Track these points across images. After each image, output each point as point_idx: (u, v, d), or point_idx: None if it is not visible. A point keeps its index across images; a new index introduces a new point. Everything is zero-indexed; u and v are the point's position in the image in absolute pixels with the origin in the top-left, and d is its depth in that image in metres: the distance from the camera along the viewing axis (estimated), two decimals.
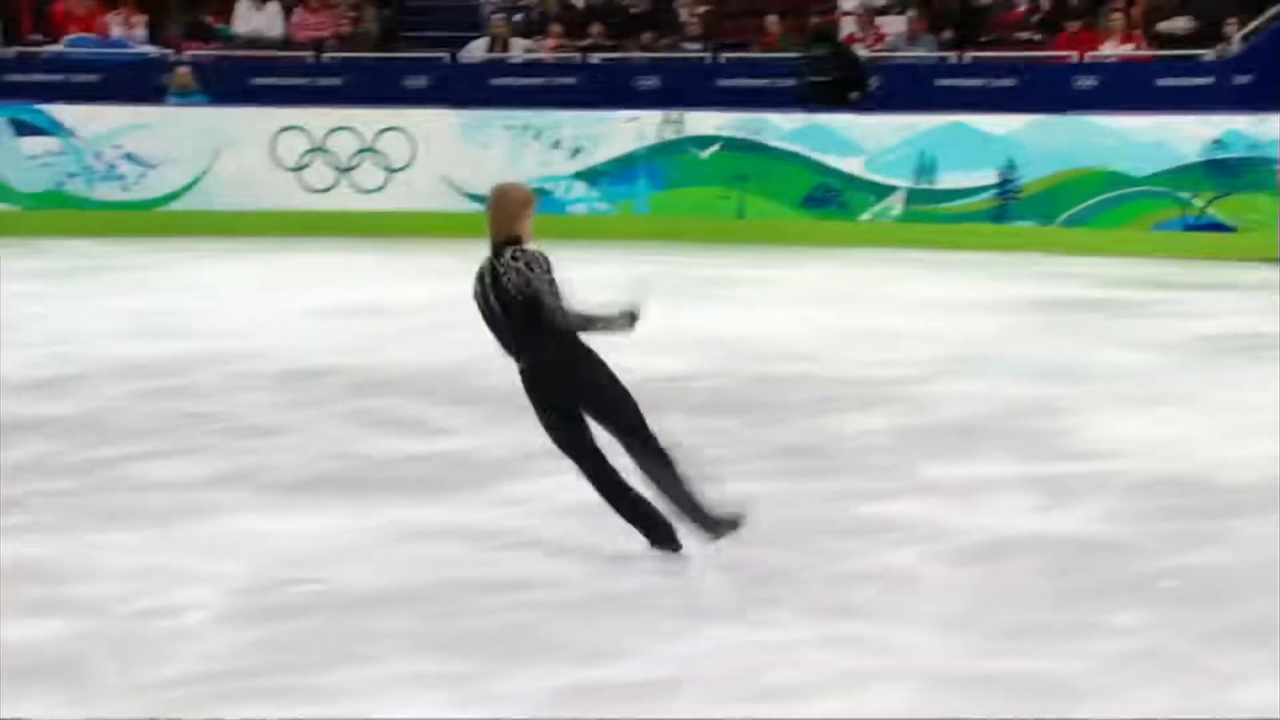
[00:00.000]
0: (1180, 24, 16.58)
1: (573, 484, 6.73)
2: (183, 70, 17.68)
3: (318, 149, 17.02)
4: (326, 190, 17.03)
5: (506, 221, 6.22)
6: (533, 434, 7.82)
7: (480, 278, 6.19)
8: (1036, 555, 5.93)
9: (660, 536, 5.92)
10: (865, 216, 15.93)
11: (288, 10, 19.33)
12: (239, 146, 16.87)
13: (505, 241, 6.16)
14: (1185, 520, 6.37)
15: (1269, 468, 7.11)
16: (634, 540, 6.05)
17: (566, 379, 5.99)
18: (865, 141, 15.98)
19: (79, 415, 8.24)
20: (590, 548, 6.04)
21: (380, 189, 17.01)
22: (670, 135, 16.61)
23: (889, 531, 6.22)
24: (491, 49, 18.52)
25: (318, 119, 17.04)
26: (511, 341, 6.09)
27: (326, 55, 18.67)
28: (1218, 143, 14.73)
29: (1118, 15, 16.69)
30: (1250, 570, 5.76)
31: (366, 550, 6.07)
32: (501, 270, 6.09)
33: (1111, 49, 16.67)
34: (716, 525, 5.89)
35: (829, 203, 15.96)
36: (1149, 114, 15.17)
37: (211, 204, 16.79)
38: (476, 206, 16.98)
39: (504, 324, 6.07)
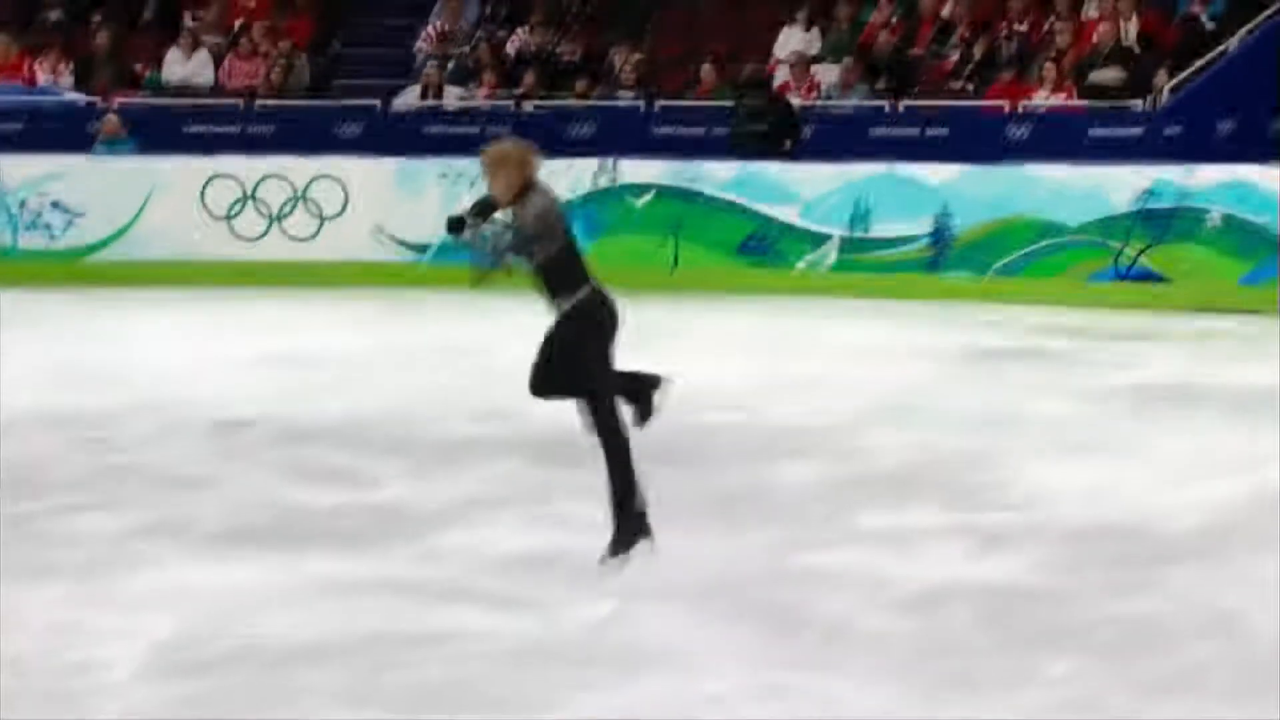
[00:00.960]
0: (1111, 75, 16.77)
1: (505, 535, 6.69)
2: (111, 118, 17.57)
3: (248, 198, 16.93)
4: (257, 239, 16.93)
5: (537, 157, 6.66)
6: (465, 484, 7.80)
7: (552, 199, 6.60)
8: (972, 604, 5.93)
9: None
10: (800, 265, 15.98)
11: (218, 58, 19.27)
12: (168, 195, 16.74)
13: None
14: (1119, 568, 6.38)
15: (1200, 515, 7.16)
16: (565, 591, 6.01)
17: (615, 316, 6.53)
18: (800, 190, 16.05)
19: (2, 467, 8.12)
20: (522, 599, 5.99)
21: (312, 238, 16.92)
22: (604, 183, 16.63)
23: (825, 581, 6.20)
24: (424, 97, 18.52)
25: (249, 167, 16.96)
26: (584, 265, 6.56)
27: (258, 103, 18.61)
28: (1149, 193, 14.88)
29: (1049, 66, 16.87)
30: (1184, 618, 5.77)
31: (294, 603, 5.99)
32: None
33: (1043, 99, 16.85)
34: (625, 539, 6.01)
35: (763, 251, 16.01)
36: (1081, 164, 15.31)
37: (140, 253, 16.65)
38: (410, 255, 17.00)
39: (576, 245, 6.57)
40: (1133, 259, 14.92)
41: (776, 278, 15.82)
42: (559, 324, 6.53)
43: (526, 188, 6.51)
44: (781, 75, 18.18)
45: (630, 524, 6.21)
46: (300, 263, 16.73)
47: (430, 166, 16.85)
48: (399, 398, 10.12)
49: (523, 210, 6.45)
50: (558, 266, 6.44)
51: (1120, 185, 14.98)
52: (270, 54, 19.23)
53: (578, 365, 6.42)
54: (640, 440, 8.76)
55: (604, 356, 6.45)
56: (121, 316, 14.08)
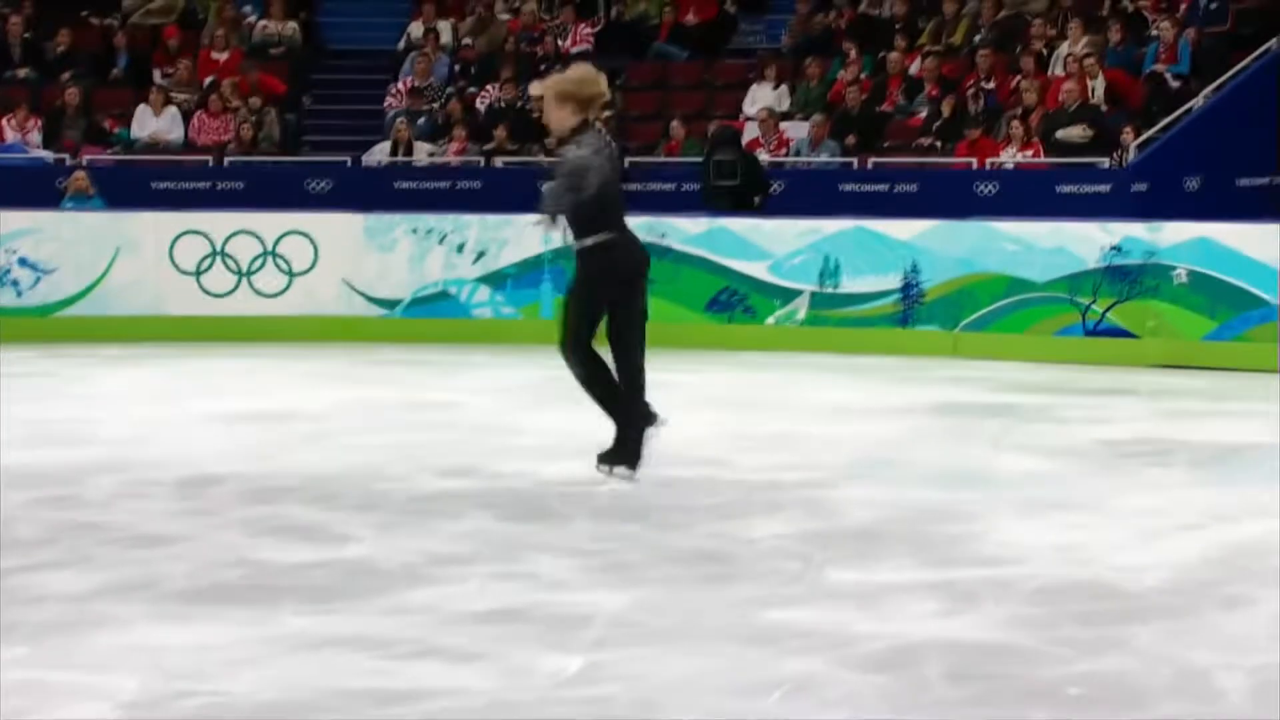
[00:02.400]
0: (1077, 132, 16.93)
1: (473, 591, 6.68)
2: (79, 175, 17.58)
3: (218, 253, 16.93)
4: (227, 295, 16.91)
5: (602, 92, 6.54)
6: (434, 540, 7.79)
7: (597, 150, 6.77)
8: (943, 661, 5.93)
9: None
10: (769, 321, 16.03)
11: (187, 115, 19.32)
12: (137, 251, 16.73)
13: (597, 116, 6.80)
14: (1090, 626, 6.39)
15: (1169, 572, 7.18)
16: (534, 647, 5.99)
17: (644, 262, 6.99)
18: (769, 245, 16.13)
19: None
20: (491, 655, 5.97)
21: (282, 293, 16.92)
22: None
23: (795, 637, 6.19)
24: (394, 153, 18.58)
25: (218, 223, 16.96)
26: (618, 212, 6.67)
27: (227, 159, 18.65)
28: (1116, 249, 14.98)
29: (1016, 124, 17.01)
30: (1154, 677, 5.78)
31: (261, 661, 5.96)
32: (611, 139, 6.49)
33: (1011, 156, 16.98)
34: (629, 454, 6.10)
35: (733, 307, 16.06)
36: (1048, 220, 15.42)
37: (108, 310, 16.62)
38: (379, 310, 17.02)
39: (620, 193, 6.86)
40: (1100, 315, 15.01)
41: (746, 333, 15.86)
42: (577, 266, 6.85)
43: (581, 128, 6.59)
44: (751, 131, 18.30)
45: (632, 443, 6.39)
46: (269, 318, 16.71)
47: (400, 221, 16.88)
48: (367, 454, 10.10)
49: (563, 157, 6.64)
50: (579, 215, 6.61)
51: (1087, 242, 15.09)
52: (240, 110, 19.27)
53: (566, 308, 6.65)
54: (610, 496, 8.78)
55: (595, 306, 6.62)
56: (89, 373, 14.03)
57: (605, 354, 8.77)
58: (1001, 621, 6.45)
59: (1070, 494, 8.99)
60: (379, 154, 18.79)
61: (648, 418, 7.28)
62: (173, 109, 19.27)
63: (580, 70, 6.94)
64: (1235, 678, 5.72)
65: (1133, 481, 9.45)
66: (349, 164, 18.55)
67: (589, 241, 6.80)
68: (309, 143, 19.74)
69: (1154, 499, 8.85)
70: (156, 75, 20.09)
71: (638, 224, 16.50)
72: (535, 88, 7.02)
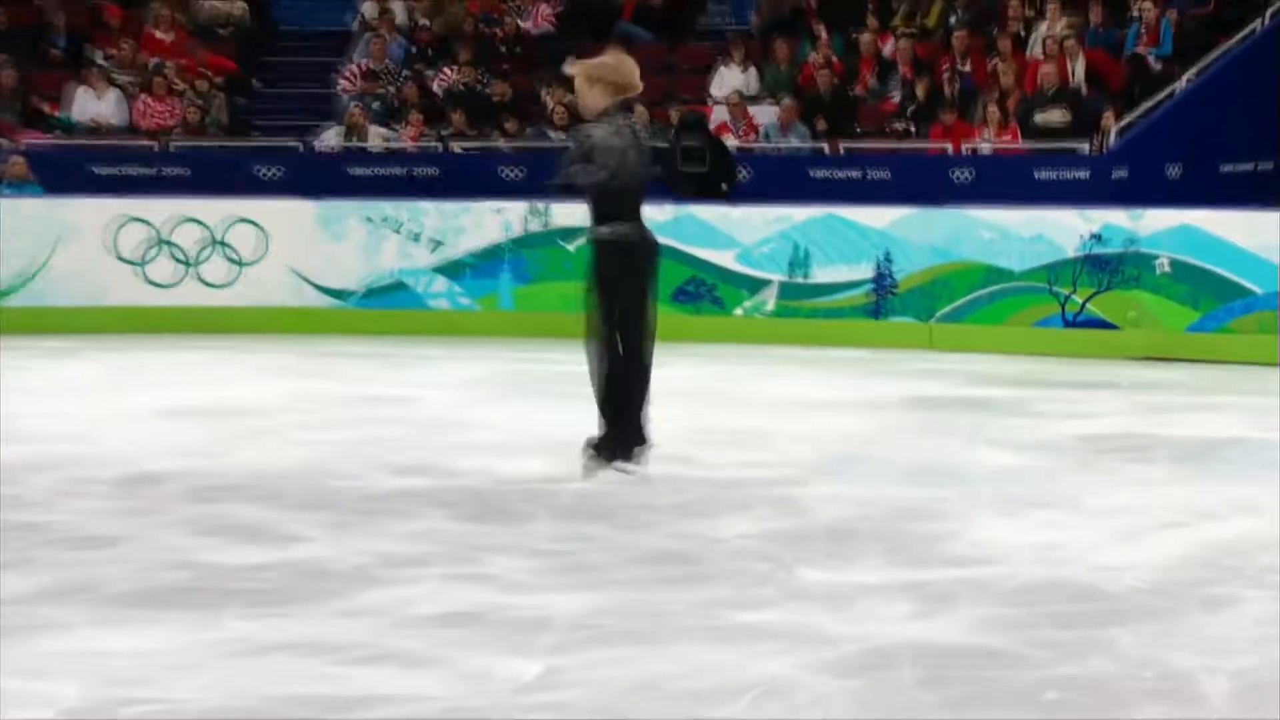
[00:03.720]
0: (1055, 116, 16.96)
1: (428, 593, 6.66)
2: (16, 160, 17.46)
3: (162, 242, 16.84)
4: (172, 285, 16.83)
5: (635, 85, 6.69)
6: (387, 540, 7.76)
7: (616, 133, 6.52)
8: (917, 664, 5.93)
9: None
10: (737, 311, 16.03)
11: (130, 97, 19.20)
12: (77, 239, 16.64)
13: (628, 105, 6.58)
14: (1069, 628, 6.41)
15: (1150, 572, 7.20)
16: (492, 651, 5.98)
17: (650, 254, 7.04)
18: (737, 233, 16.13)
19: None
20: (448, 661, 5.95)
21: (229, 284, 16.85)
22: (535, 227, 16.65)
23: (764, 641, 6.19)
24: (347, 137, 18.52)
25: (162, 210, 16.88)
26: (634, 202, 6.28)
27: (172, 144, 18.55)
28: (1096, 237, 15.03)
29: (993, 107, 17.04)
30: (1135, 680, 5.80)
31: (208, 667, 5.93)
32: (640, 130, 6.55)
33: (987, 141, 17.01)
34: (620, 451, 6.18)
35: (700, 297, 16.05)
36: (1026, 208, 15.46)
37: (48, 300, 16.52)
38: (331, 301, 16.95)
39: (638, 182, 6.86)
40: (1080, 306, 15.06)
41: (714, 325, 15.87)
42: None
43: (609, 112, 6.74)
44: (718, 115, 18.28)
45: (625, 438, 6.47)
46: (216, 309, 16.65)
47: (353, 209, 16.83)
48: (318, 450, 10.07)
49: (579, 135, 6.76)
50: (596, 201, 6.71)
51: (1066, 230, 15.14)
52: (186, 93, 19.18)
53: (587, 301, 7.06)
54: (571, 495, 8.77)
55: (604, 295, 6.74)
56: (27, 366, 13.95)
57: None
58: (977, 623, 6.46)
59: (1048, 491, 9.02)
60: (331, 139, 18.72)
61: (634, 437, 7.29)
62: (115, 91, 19.16)
63: (615, 56, 7.21)
64: (1218, 681, 5.74)
65: (1113, 478, 9.49)
66: (300, 149, 18.48)
67: (604, 230, 6.97)
68: (258, 127, 19.64)
69: (1135, 496, 8.88)
70: (97, 56, 19.96)
71: None
72: (570, 67, 7.31)
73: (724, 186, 17.70)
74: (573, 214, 16.51)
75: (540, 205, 16.60)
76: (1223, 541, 7.80)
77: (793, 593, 6.90)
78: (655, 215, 16.73)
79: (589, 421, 9.22)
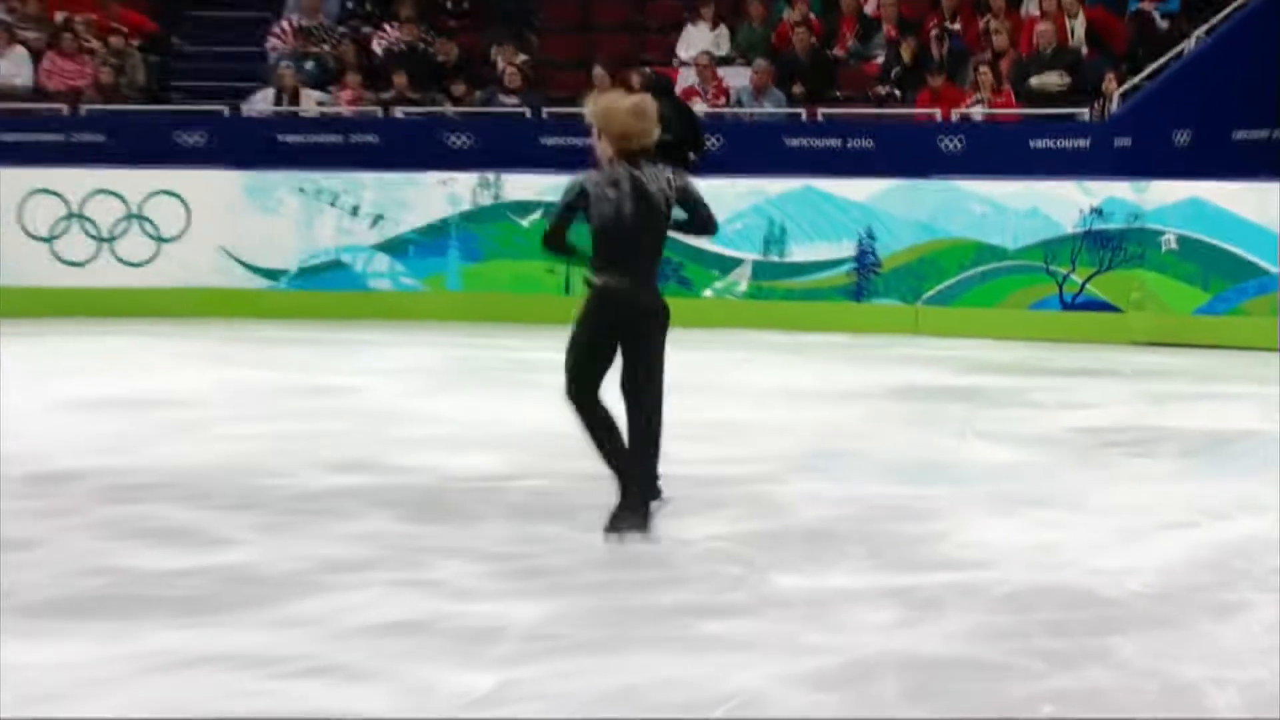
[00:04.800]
0: (1053, 80, 17.01)
1: (371, 601, 6.68)
2: None
3: (74, 216, 16.79)
4: (85, 264, 16.78)
5: (651, 130, 7.20)
6: (325, 543, 7.78)
7: (613, 183, 7.25)
8: (902, 677, 5.98)
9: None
10: (707, 293, 16.07)
11: (37, 55, 19.10)
12: None
13: (643, 151, 7.24)
14: (1065, 636, 6.46)
15: (1154, 576, 7.26)
16: (440, 664, 6.00)
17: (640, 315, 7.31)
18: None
19: None
20: (391, 674, 5.97)
21: (148, 262, 16.80)
22: (486, 200, 16.65)
23: (737, 651, 6.23)
24: (279, 102, 18.47)
25: (74, 181, 16.82)
26: (631, 257, 7.18)
27: (84, 108, 18.47)
28: (1097, 212, 15.11)
29: (984, 70, 17.08)
30: (1138, 693, 5.85)
31: (128, 681, 5.94)
32: (648, 180, 7.20)
33: (978, 107, 17.06)
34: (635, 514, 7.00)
35: (665, 278, 16.06)
36: (1021, 179, 15.52)
37: None
38: (261, 282, 16.93)
39: (632, 236, 7.21)
40: (1079, 287, 15.14)
41: (682, 308, 15.79)
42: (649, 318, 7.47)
43: (614, 160, 6.95)
44: (686, 79, 18.30)
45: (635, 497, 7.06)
46: (135, 290, 16.61)
47: (285, 180, 16.80)
48: (248, 445, 10.07)
49: (583, 180, 7.31)
50: (593, 243, 7.39)
51: (1065, 204, 15.21)
52: (99, 51, 19.09)
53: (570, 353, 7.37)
54: (525, 493, 8.79)
55: (587, 350, 7.32)
56: None
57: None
58: (967, 632, 6.51)
59: (1044, 488, 9.08)
60: (261, 103, 18.68)
61: (647, 491, 7.43)
62: (19, 49, 19.05)
63: (614, 101, 7.38)
64: (1228, 693, 5.80)
65: (1114, 474, 9.55)
66: (226, 114, 18.43)
67: (592, 279, 7.18)
68: (179, 89, 19.58)
69: (1137, 494, 8.95)
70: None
71: (558, 183, 16.53)
72: (586, 105, 7.59)
73: (691, 157, 17.78)
74: (528, 186, 16.54)
75: (491, 176, 16.61)
76: (1232, 542, 7.87)
77: (767, 599, 6.94)
78: None
79: (544, 413, 9.24)
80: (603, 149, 7.17)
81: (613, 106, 7.36)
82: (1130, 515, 8.42)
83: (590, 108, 7.34)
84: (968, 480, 9.24)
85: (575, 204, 7.32)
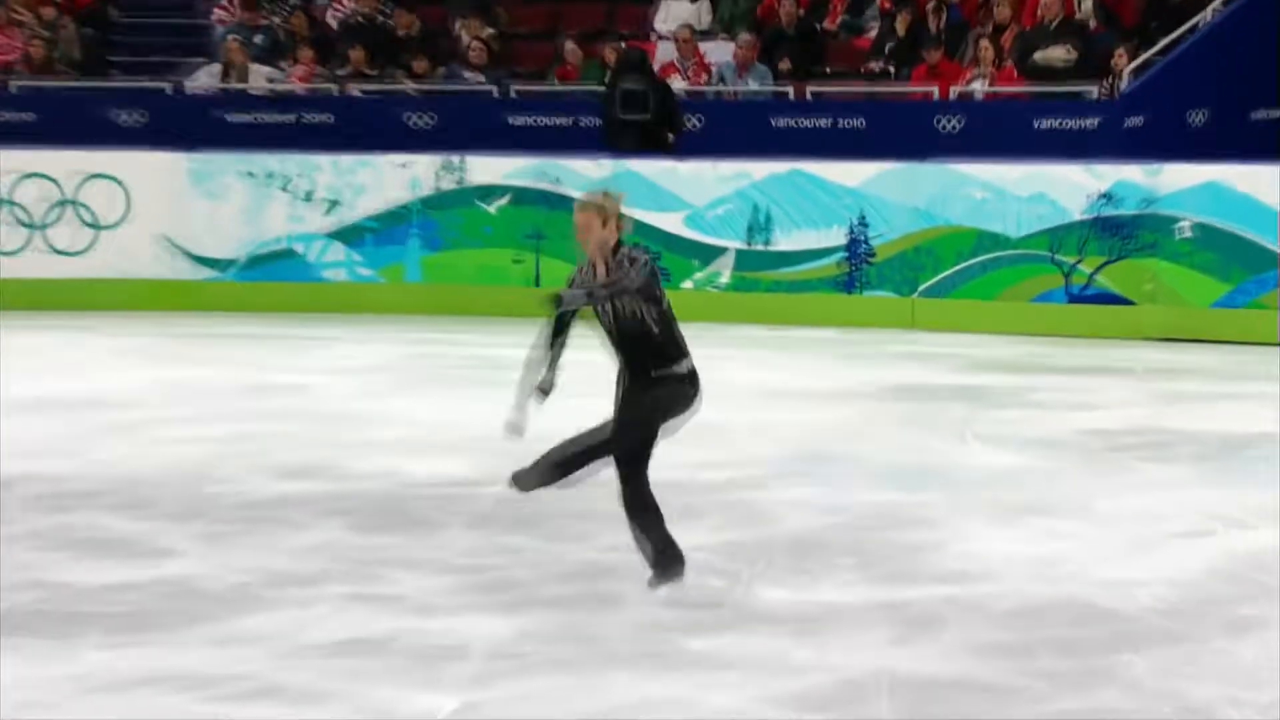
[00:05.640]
0: (1059, 54, 17.03)
1: (323, 617, 6.68)
2: None
3: (3, 202, 16.74)
4: (14, 253, 16.73)
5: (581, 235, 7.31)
6: (274, 555, 7.77)
7: (585, 275, 7.33)
8: (896, 699, 5.99)
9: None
10: (687, 285, 16.07)
11: None
12: None
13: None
14: (1073, 655, 6.48)
15: (1168, 589, 7.28)
16: (397, 685, 6.00)
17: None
18: (687, 193, 16.16)
19: None
20: (345, 695, 5.97)
21: (83, 251, 16.75)
22: (449, 185, 16.64)
23: (718, 670, 6.24)
24: (225, 78, 18.43)
25: (2, 164, 16.76)
26: (618, 349, 7.34)
27: (14, 84, 18.42)
28: (1106, 197, 15.13)
29: (985, 44, 17.10)
30: (1150, 715, 5.87)
31: (62, 704, 5.94)
32: (607, 273, 7.22)
33: (979, 84, 17.08)
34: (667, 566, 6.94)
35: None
36: (1025, 162, 15.54)
37: None
38: (206, 272, 16.89)
39: (605, 331, 7.31)
40: (1087, 278, 15.16)
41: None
42: (645, 387, 7.22)
43: (619, 244, 7.25)
44: (664, 54, 18.30)
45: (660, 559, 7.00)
46: (69, 281, 16.56)
47: (232, 163, 16.76)
48: (191, 450, 10.05)
49: (619, 266, 7.15)
50: (661, 331, 7.22)
51: (1072, 188, 15.23)
52: (28, 23, 19.03)
53: (640, 431, 7.19)
54: (490, 501, 8.79)
55: (653, 431, 7.28)
56: None
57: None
58: (966, 650, 6.53)
59: (1049, 495, 9.10)
60: (205, 79, 18.64)
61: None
62: None
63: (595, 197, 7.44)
64: (1245, 715, 5.82)
65: (1124, 480, 9.58)
66: (168, 91, 18.38)
67: (681, 368, 7.30)
68: (118, 64, 19.52)
69: (1150, 501, 8.97)
70: None
71: (524, 167, 16.60)
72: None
73: (669, 137, 17.79)
74: (494, 170, 16.53)
75: (454, 158, 16.60)
76: (1252, 553, 7.89)
77: (751, 615, 6.95)
78: (588, 171, 16.84)
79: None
80: (601, 243, 7.19)
81: (613, 201, 7.44)
82: (1141, 524, 8.44)
83: (588, 212, 7.36)
84: (967, 486, 9.25)
85: (653, 287, 7.27)
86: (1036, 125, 16.43)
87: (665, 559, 7.02)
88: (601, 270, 7.22)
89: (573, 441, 7.32)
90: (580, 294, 7.16)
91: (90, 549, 7.89)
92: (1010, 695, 6.07)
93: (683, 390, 7.31)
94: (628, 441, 7.15)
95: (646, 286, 7.17)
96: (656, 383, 7.23)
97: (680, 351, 7.35)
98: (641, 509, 7.08)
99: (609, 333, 7.26)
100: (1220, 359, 13.79)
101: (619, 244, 7.25)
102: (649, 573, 7.03)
